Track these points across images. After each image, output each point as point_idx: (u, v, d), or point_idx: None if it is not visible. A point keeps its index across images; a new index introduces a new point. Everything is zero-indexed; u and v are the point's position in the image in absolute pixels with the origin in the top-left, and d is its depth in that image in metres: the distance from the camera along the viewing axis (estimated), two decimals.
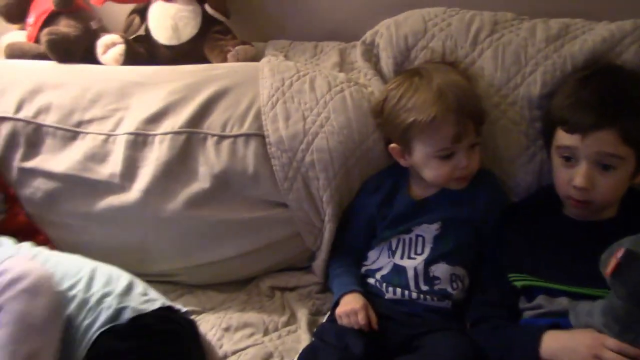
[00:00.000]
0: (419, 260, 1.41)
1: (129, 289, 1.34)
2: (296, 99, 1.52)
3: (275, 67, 1.59)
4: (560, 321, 1.24)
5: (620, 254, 1.06)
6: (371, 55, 1.61)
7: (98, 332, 1.26)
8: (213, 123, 1.54)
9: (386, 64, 1.57)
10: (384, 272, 1.44)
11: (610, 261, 1.11)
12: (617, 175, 1.28)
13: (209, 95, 1.56)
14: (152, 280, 1.52)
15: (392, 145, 1.44)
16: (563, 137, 1.31)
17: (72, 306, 1.29)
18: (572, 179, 1.29)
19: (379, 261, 1.46)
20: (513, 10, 1.56)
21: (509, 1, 1.59)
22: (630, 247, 1.07)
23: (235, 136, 1.52)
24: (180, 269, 1.60)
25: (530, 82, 1.46)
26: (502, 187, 1.48)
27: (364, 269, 1.48)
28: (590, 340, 1.16)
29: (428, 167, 1.40)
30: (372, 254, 1.48)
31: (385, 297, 1.42)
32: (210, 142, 1.53)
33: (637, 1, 1.55)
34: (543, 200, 1.41)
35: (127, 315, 1.29)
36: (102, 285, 1.32)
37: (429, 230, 1.43)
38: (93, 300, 1.30)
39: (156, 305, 1.33)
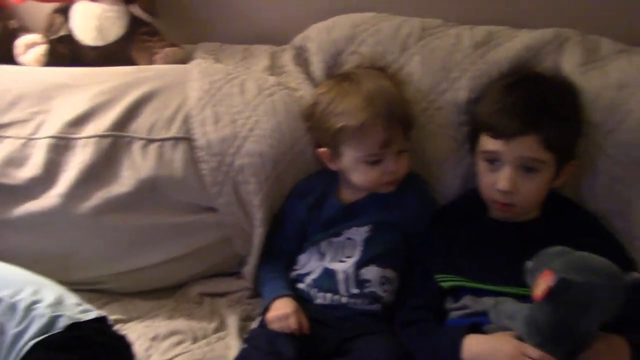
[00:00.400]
0: (350, 263, 1.42)
1: (61, 298, 1.26)
2: (225, 102, 1.51)
3: (205, 69, 1.57)
4: (481, 320, 1.27)
5: (552, 281, 1.09)
6: (301, 59, 1.61)
7: (32, 342, 1.17)
8: (140, 126, 1.50)
9: (317, 68, 1.57)
10: (314, 276, 1.44)
11: (539, 284, 1.13)
12: (539, 178, 1.33)
13: (135, 98, 1.53)
14: (76, 288, 1.44)
15: (321, 149, 1.44)
16: (488, 142, 1.35)
17: None
18: (496, 182, 1.33)
19: (309, 265, 1.46)
20: (440, 16, 1.59)
21: (437, 8, 1.63)
22: (563, 275, 1.10)
23: (163, 140, 1.50)
24: (105, 276, 1.56)
25: (457, 87, 1.49)
26: (431, 190, 1.51)
27: (294, 273, 1.47)
28: (512, 348, 1.18)
29: (356, 171, 1.41)
30: (302, 258, 1.47)
31: (315, 302, 1.42)
32: (137, 146, 1.50)
33: (558, 11, 1.62)
34: (469, 203, 1.45)
35: (62, 323, 1.19)
36: (31, 293, 1.23)
37: (359, 233, 1.44)
38: (22, 306, 1.21)
39: (91, 315, 1.26)
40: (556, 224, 1.37)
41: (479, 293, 1.30)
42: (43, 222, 1.49)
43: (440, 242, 1.40)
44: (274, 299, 1.40)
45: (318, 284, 1.43)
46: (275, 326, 1.35)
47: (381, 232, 1.43)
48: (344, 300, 1.41)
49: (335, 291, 1.41)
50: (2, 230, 1.50)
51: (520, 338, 1.18)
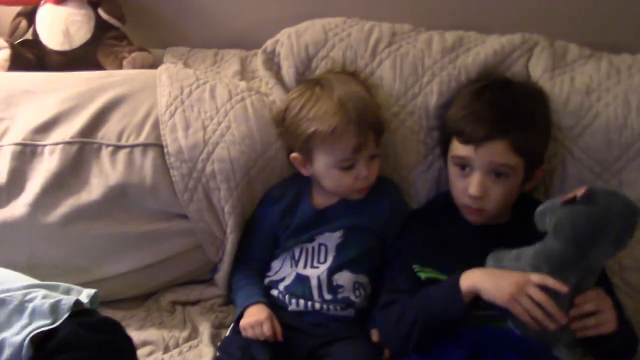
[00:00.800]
0: (322, 269, 1.42)
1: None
2: (196, 107, 1.50)
3: (174, 74, 1.55)
4: None
5: (580, 192, 1.14)
6: (272, 64, 1.60)
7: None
8: (108, 133, 1.48)
9: (287, 73, 1.57)
10: (287, 282, 1.44)
11: (568, 194, 1.18)
12: (509, 183, 1.35)
13: (103, 104, 1.50)
14: None
15: (294, 154, 1.44)
16: (458, 148, 1.37)
17: None
18: (467, 188, 1.34)
19: (282, 271, 1.45)
20: (410, 22, 1.60)
21: (407, 13, 1.64)
22: (593, 189, 1.16)
23: (132, 146, 1.48)
24: (74, 285, 1.52)
25: (427, 92, 1.50)
26: (402, 194, 1.52)
27: (267, 280, 1.47)
28: (516, 275, 1.20)
29: (329, 177, 1.41)
30: (275, 264, 1.47)
31: (289, 309, 1.42)
32: (105, 153, 1.47)
33: (525, 16, 1.64)
34: (441, 206, 1.46)
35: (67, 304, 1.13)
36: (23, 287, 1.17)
37: (331, 239, 1.44)
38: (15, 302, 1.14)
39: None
40: (528, 227, 1.39)
41: None
42: (9, 232, 1.45)
43: (415, 242, 1.41)
44: (248, 305, 1.39)
45: (291, 290, 1.43)
46: (249, 333, 1.34)
47: (353, 238, 1.44)
48: (317, 306, 1.41)
49: (308, 297, 1.41)
50: None
51: None
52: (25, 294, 1.15)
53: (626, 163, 1.43)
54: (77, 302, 1.16)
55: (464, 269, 1.29)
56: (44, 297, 1.15)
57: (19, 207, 1.45)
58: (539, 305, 1.17)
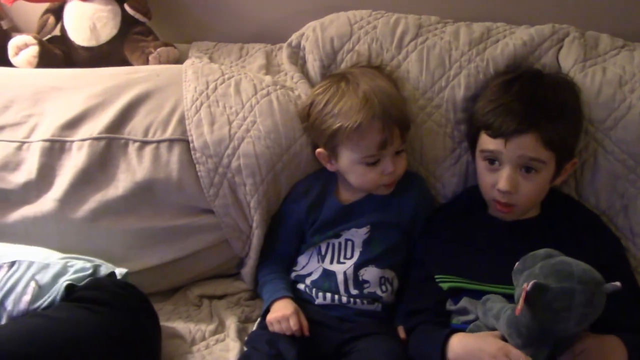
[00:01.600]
0: (349, 264, 1.42)
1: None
2: (221, 102, 1.50)
3: (199, 69, 1.56)
4: None
5: (529, 287, 1.09)
6: (297, 58, 1.60)
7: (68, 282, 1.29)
8: (134, 128, 1.49)
9: (312, 66, 1.56)
10: (314, 277, 1.43)
11: (520, 288, 1.13)
12: (539, 178, 1.32)
13: (130, 100, 1.51)
14: None
15: (319, 150, 1.43)
16: (487, 142, 1.34)
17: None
18: (496, 182, 1.32)
19: (309, 266, 1.45)
20: (437, 13, 1.58)
21: (433, 5, 1.62)
22: (540, 280, 1.10)
23: (159, 142, 1.48)
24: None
25: (454, 85, 1.48)
26: (429, 189, 1.51)
27: (293, 274, 1.47)
28: (495, 349, 1.18)
29: (354, 173, 1.40)
30: (301, 259, 1.47)
31: (316, 302, 1.42)
32: (132, 148, 1.48)
33: (555, 6, 1.61)
34: (469, 201, 1.44)
35: (103, 272, 1.35)
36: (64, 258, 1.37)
37: (357, 235, 1.43)
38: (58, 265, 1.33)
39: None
40: (556, 222, 1.37)
41: (476, 295, 1.29)
42: (38, 227, 1.47)
43: (439, 241, 1.39)
44: (274, 300, 1.39)
45: (318, 284, 1.42)
46: (275, 328, 1.34)
47: (380, 233, 1.43)
48: (344, 299, 1.40)
49: (335, 291, 1.41)
50: None
51: (504, 338, 1.19)
52: (67, 262, 1.36)
53: None
54: (113, 274, 1.37)
55: (490, 269, 1.27)
56: (84, 263, 1.36)
57: (48, 202, 1.46)
58: None
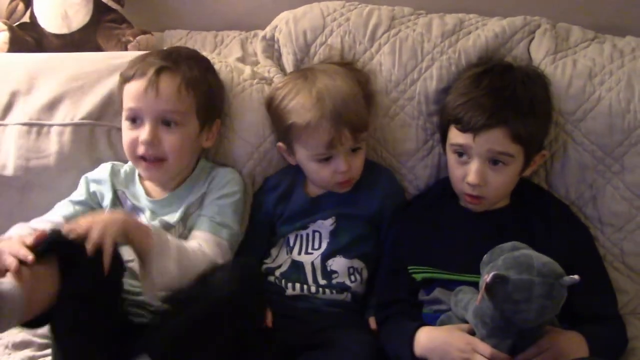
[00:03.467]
0: (316, 254, 1.43)
1: None
2: None
3: None
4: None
5: (488, 278, 1.11)
6: (272, 51, 1.59)
7: None
8: (118, 114, 1.45)
9: (287, 60, 1.55)
10: (283, 269, 1.44)
11: (483, 282, 1.15)
12: (508, 171, 1.34)
13: (112, 86, 1.48)
14: None
15: (279, 143, 1.45)
16: (456, 135, 1.35)
17: None
18: (466, 175, 1.33)
19: (279, 258, 1.46)
20: (410, 4, 1.57)
21: None
22: (501, 271, 1.12)
23: None
24: None
25: (426, 77, 1.48)
26: (399, 182, 1.51)
27: (264, 267, 1.47)
28: (463, 343, 1.20)
29: (308, 169, 1.42)
30: (273, 251, 1.47)
31: (286, 293, 1.42)
32: (118, 136, 1.45)
33: None
34: (440, 193, 1.45)
35: None
36: None
37: (324, 226, 1.44)
38: None
39: None
40: (526, 211, 1.38)
41: (449, 285, 1.31)
42: (20, 210, 1.44)
43: (412, 232, 1.40)
44: None
45: (287, 275, 1.43)
46: None
47: (346, 224, 1.44)
48: (313, 289, 1.41)
49: (304, 281, 1.42)
50: None
51: (472, 330, 1.21)
52: None
53: (628, 148, 1.42)
54: None
55: (462, 259, 1.29)
56: None
57: (29, 186, 1.46)
58: None
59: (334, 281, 1.41)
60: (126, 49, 1.64)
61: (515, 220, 1.37)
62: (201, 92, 1.36)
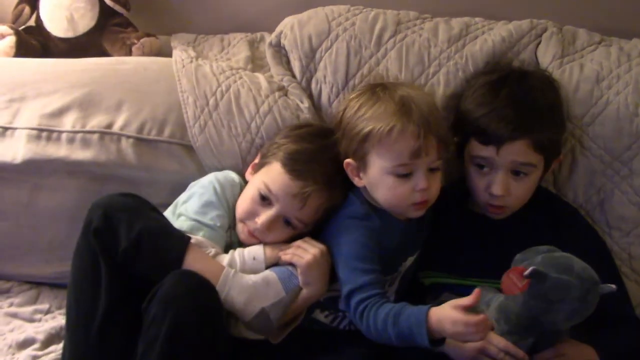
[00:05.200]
0: None
1: None
2: (225, 122, 1.45)
3: (192, 76, 1.48)
4: None
5: (527, 272, 1.09)
6: (281, 56, 1.56)
7: None
8: (128, 123, 1.46)
9: (294, 66, 1.53)
10: None
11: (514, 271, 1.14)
12: (529, 180, 1.31)
13: (120, 94, 1.48)
14: (57, 283, 1.49)
15: (347, 160, 1.29)
16: (477, 148, 1.31)
17: None
18: (489, 186, 1.30)
19: None
20: (415, 8, 1.55)
21: None
22: (538, 268, 1.10)
23: (156, 141, 1.46)
24: None
25: (433, 82, 1.46)
26: None
27: None
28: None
29: (383, 185, 1.26)
30: None
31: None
32: (127, 144, 1.45)
33: (534, 1, 1.59)
34: (448, 197, 1.43)
35: None
36: None
37: None
38: None
39: None
40: (536, 216, 1.36)
41: (458, 289, 1.29)
42: (28, 213, 1.47)
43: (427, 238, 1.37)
44: None
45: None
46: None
47: None
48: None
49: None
50: None
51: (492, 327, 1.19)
52: None
53: (637, 151, 1.40)
54: None
55: (472, 264, 1.28)
56: None
57: (37, 191, 1.46)
58: None
59: None
60: (130, 52, 1.62)
61: (525, 225, 1.35)
62: None
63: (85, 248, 1.21)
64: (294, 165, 1.29)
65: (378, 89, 1.29)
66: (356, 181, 1.30)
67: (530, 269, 1.09)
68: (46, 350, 1.34)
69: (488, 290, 1.24)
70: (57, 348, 1.34)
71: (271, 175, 1.30)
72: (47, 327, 1.40)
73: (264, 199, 1.30)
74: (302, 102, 1.49)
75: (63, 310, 1.43)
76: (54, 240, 1.48)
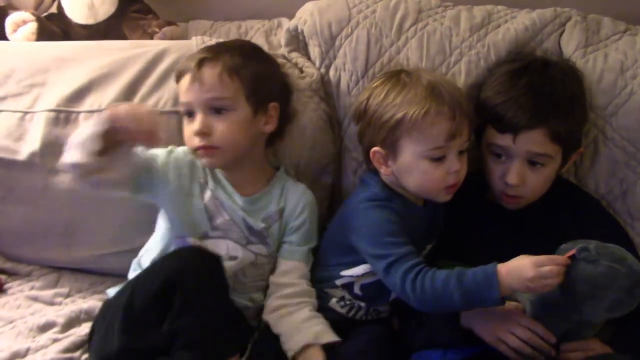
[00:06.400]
0: None
1: None
2: None
3: None
4: None
5: (577, 252, 1.09)
6: (297, 42, 1.53)
7: None
8: (143, 101, 1.44)
9: (313, 52, 1.50)
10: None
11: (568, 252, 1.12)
12: (546, 171, 1.29)
13: (137, 72, 1.46)
14: (78, 267, 1.50)
15: (375, 149, 1.27)
16: (494, 136, 1.29)
17: None
18: (504, 175, 1.29)
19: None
20: None
21: None
22: (588, 247, 1.09)
23: (169, 112, 1.44)
24: (109, 255, 1.50)
25: (454, 72, 1.43)
26: None
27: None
28: (506, 315, 1.17)
29: (417, 170, 1.24)
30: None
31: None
32: None
33: None
34: (469, 188, 1.40)
35: None
36: None
37: None
38: None
39: None
40: (558, 208, 1.34)
41: None
42: (48, 198, 1.45)
43: (446, 229, 1.36)
44: None
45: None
46: None
47: None
48: None
49: None
50: (3, 206, 1.46)
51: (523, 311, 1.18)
52: None
53: None
54: None
55: (491, 255, 1.23)
56: None
57: (53, 174, 1.43)
58: (525, 342, 1.15)
59: None
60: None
61: (546, 217, 1.33)
62: (246, 77, 1.32)
63: (135, 296, 1.19)
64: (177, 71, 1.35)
65: (402, 75, 1.27)
66: (383, 169, 1.28)
67: (580, 246, 1.08)
68: (66, 333, 1.34)
69: None
70: (77, 331, 1.34)
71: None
72: (67, 310, 1.39)
73: (190, 115, 1.32)
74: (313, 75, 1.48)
75: (83, 294, 1.46)
76: (70, 224, 1.47)
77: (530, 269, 1.08)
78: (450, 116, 1.21)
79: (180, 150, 1.37)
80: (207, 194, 1.34)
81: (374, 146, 1.27)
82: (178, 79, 1.35)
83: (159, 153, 1.35)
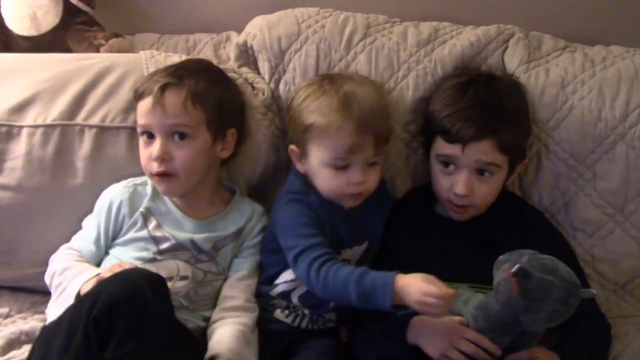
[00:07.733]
0: None
1: None
2: None
3: (161, 64, 1.43)
4: None
5: (514, 269, 1.09)
6: (247, 57, 1.52)
7: None
8: (91, 115, 1.41)
9: (262, 66, 1.49)
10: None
11: (500, 279, 1.13)
12: (494, 180, 1.30)
13: (83, 86, 1.42)
14: (18, 287, 1.45)
15: (291, 146, 1.32)
16: (443, 146, 1.30)
17: None
18: (453, 185, 1.29)
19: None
20: (384, 12, 1.53)
21: (381, 3, 1.56)
22: (525, 267, 1.09)
23: (118, 128, 1.41)
24: None
25: (402, 86, 1.44)
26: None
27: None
28: (450, 330, 1.17)
29: (321, 175, 1.28)
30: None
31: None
32: (89, 135, 1.40)
33: (500, 7, 1.58)
34: (416, 201, 1.41)
35: None
36: None
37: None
38: None
39: None
40: (503, 219, 1.35)
41: None
42: None
43: (395, 241, 1.36)
44: None
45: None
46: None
47: None
48: None
49: None
50: None
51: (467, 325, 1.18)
52: None
53: (600, 155, 1.40)
54: None
55: (445, 267, 1.24)
56: None
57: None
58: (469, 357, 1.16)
59: None
60: (98, 52, 1.56)
61: (493, 228, 1.34)
62: (209, 105, 1.30)
63: (75, 321, 1.11)
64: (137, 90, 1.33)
65: (325, 82, 1.30)
66: (299, 166, 1.32)
67: (517, 266, 1.08)
68: (6, 356, 1.28)
69: (465, 289, 1.23)
70: (18, 353, 1.28)
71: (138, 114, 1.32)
72: (7, 332, 1.33)
73: (149, 137, 1.30)
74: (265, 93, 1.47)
75: (23, 314, 1.41)
76: (12, 241, 1.41)
77: (417, 294, 1.09)
78: (353, 132, 1.23)
79: (114, 192, 1.36)
80: (152, 223, 1.32)
81: (292, 143, 1.32)
82: (137, 99, 1.32)
83: (93, 248, 1.34)
